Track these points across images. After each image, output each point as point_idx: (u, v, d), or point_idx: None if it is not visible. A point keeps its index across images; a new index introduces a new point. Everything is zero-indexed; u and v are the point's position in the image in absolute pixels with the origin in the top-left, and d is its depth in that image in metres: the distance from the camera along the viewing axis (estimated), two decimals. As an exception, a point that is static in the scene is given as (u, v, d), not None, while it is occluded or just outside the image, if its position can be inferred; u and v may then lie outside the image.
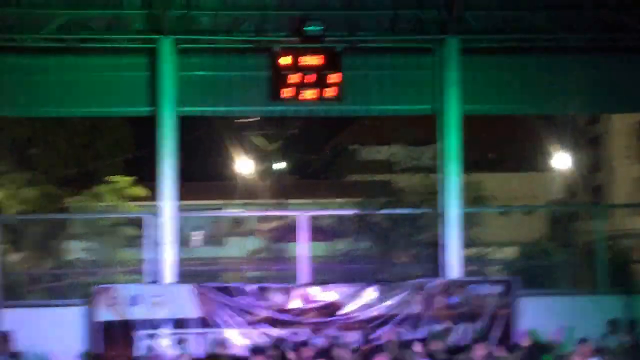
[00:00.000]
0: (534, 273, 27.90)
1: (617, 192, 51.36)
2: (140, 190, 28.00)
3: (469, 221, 23.44)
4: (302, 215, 19.21)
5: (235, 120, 43.18)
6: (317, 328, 17.55)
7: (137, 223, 25.98)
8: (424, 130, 26.49)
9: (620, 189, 51.44)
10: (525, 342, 16.99)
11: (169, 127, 18.05)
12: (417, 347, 16.24)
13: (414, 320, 17.75)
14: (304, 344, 16.82)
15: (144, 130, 24.48)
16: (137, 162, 38.52)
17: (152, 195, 19.83)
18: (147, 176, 26.20)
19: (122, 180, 28.13)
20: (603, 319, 18.40)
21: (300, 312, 17.61)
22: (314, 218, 29.89)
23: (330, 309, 17.68)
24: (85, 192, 28.21)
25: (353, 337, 17.59)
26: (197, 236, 48.78)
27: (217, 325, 17.33)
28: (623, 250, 37.29)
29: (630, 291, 19.64)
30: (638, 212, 48.43)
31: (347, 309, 17.67)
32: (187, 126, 20.45)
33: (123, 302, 17.15)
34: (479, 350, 15.37)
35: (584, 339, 15.81)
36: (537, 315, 18.17)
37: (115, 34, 18.20)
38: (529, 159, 53.49)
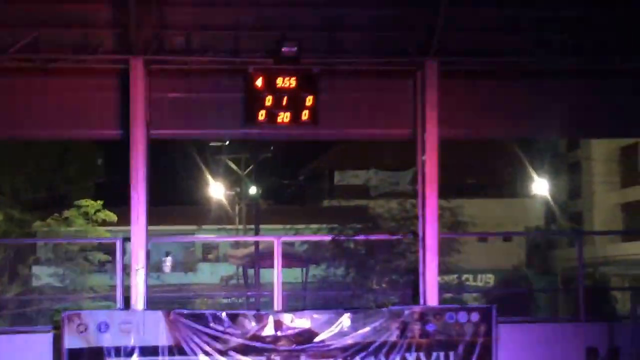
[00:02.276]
0: (512, 300, 28.11)
1: (597, 219, 51.64)
2: (110, 215, 27.96)
3: (448, 247, 23.62)
4: (276, 240, 19.20)
5: (209, 144, 43.27)
6: (290, 356, 17.54)
7: (106, 248, 26.00)
8: (402, 155, 26.63)
9: (600, 215, 51.72)
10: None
11: (140, 150, 17.98)
12: None
13: (390, 348, 17.74)
14: None
15: (115, 154, 24.52)
16: (108, 186, 38.55)
17: (122, 220, 19.84)
18: (117, 200, 26.25)
19: (92, 205, 28.06)
20: (583, 346, 18.50)
21: (274, 339, 17.55)
22: (289, 244, 30.10)
23: (304, 336, 17.60)
24: (54, 216, 28.10)
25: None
26: (168, 262, 48.73)
27: (188, 353, 17.27)
28: (603, 277, 37.60)
29: (611, 318, 19.76)
30: (617, 239, 48.81)
31: (322, 336, 17.59)
32: (159, 149, 20.46)
33: (92, 328, 17.07)
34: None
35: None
36: (516, 343, 18.24)
37: (84, 54, 18.08)
38: (509, 185, 53.87)
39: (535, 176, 48.18)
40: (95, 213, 27.79)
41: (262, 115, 17.98)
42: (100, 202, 28.25)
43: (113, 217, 27.83)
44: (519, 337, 18.46)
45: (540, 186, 48.31)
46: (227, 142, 42.98)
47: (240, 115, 18.37)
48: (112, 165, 39.77)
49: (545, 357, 17.93)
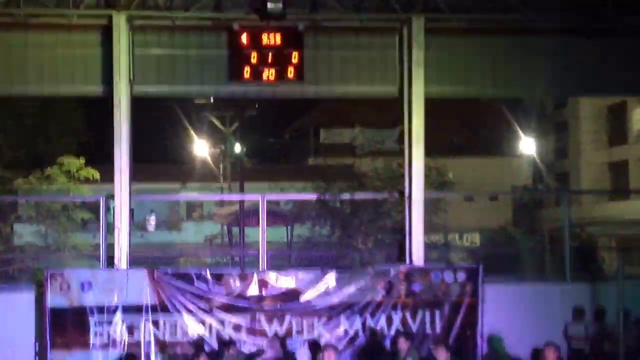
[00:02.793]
0: (498, 260, 28.17)
1: (584, 178, 51.80)
2: (92, 173, 27.79)
3: (434, 206, 23.60)
4: (261, 199, 19.18)
5: (194, 102, 43.11)
6: (275, 315, 17.58)
7: (89, 206, 25.87)
8: (388, 113, 26.55)
9: (587, 174, 51.88)
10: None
11: (123, 107, 17.90)
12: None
13: (376, 308, 17.80)
14: None
15: (97, 111, 24.36)
16: (90, 144, 38.43)
17: (105, 178, 19.75)
18: (100, 158, 26.11)
19: (74, 162, 27.87)
20: (569, 306, 18.60)
21: (258, 298, 17.60)
22: (274, 202, 30.03)
23: (289, 295, 17.67)
24: (36, 174, 27.93)
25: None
26: (152, 220, 48.68)
27: (172, 312, 17.29)
28: (590, 237, 37.72)
29: (597, 278, 19.85)
30: (605, 198, 48.99)
31: (307, 295, 17.66)
32: (142, 107, 20.33)
33: (75, 287, 17.06)
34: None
35: (549, 342, 15.90)
36: (502, 303, 18.31)
37: (66, 8, 17.92)
38: (496, 144, 53.90)
39: (522, 135, 48.24)
40: (77, 171, 27.58)
41: (247, 72, 17.95)
42: (82, 160, 28.03)
43: (96, 175, 27.64)
44: (505, 297, 18.55)
45: (528, 145, 48.43)
46: (212, 100, 42.83)
47: (225, 73, 18.32)
48: (95, 122, 39.65)
49: (532, 317, 18.02)
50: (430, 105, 18.81)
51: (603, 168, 51.94)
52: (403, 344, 15.91)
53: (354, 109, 52.02)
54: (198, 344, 16.88)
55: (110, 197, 18.02)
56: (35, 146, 37.72)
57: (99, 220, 18.85)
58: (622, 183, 49.54)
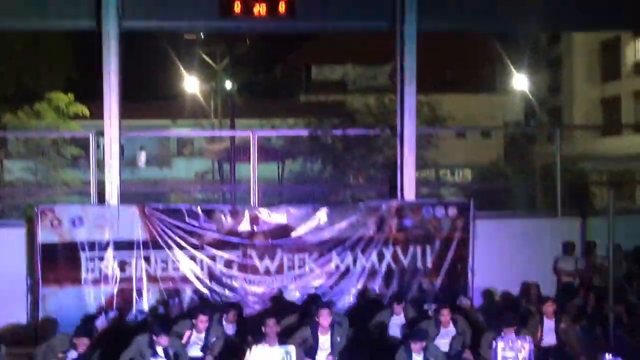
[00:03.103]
0: (490, 196, 28.27)
1: (577, 114, 51.78)
2: (82, 108, 27.71)
3: (426, 142, 23.63)
4: (252, 135, 19.16)
5: (184, 38, 42.81)
6: (266, 251, 17.66)
7: (79, 143, 25.84)
8: (380, 49, 26.42)
9: (580, 110, 51.86)
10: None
11: (112, 41, 17.79)
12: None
13: (367, 243, 17.87)
14: None
15: (86, 46, 24.18)
16: (79, 79, 38.20)
17: (95, 114, 19.67)
18: (89, 94, 25.99)
19: (63, 98, 27.77)
20: (559, 241, 18.73)
21: (250, 234, 17.65)
22: (265, 138, 30.01)
23: (280, 231, 17.71)
24: (25, 109, 27.81)
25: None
26: (142, 157, 48.66)
27: (163, 248, 17.35)
28: (581, 172, 37.79)
29: (588, 214, 19.95)
30: (597, 134, 49.05)
31: (298, 231, 17.71)
32: (132, 43, 20.22)
33: (65, 223, 17.09)
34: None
35: (546, 297, 16.03)
36: (493, 238, 18.41)
37: None
38: (488, 80, 53.78)
39: (514, 71, 48.08)
40: (66, 106, 27.49)
41: (237, 6, 17.84)
42: (71, 96, 27.92)
43: (85, 111, 27.56)
44: (496, 232, 18.64)
45: (520, 81, 48.29)
46: (202, 36, 42.56)
47: (216, 7, 18.17)
48: (83, 58, 39.36)
49: (522, 252, 18.14)
50: (423, 41, 18.71)
51: (596, 103, 51.88)
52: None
53: (346, 46, 51.81)
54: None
55: (100, 133, 17.98)
56: (23, 82, 37.44)
57: (89, 157, 18.84)
58: (614, 118, 49.54)
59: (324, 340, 13.37)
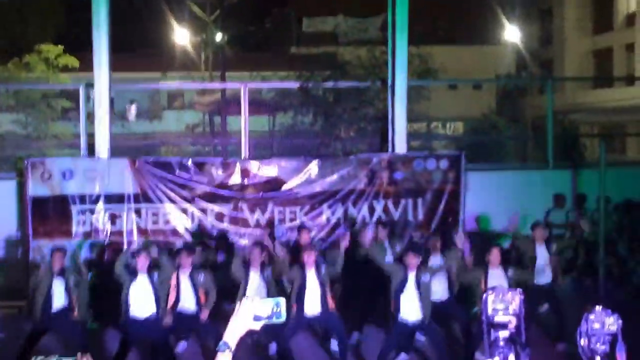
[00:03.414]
0: (481, 148, 28.31)
1: (568, 66, 51.69)
2: (72, 60, 27.57)
3: (417, 95, 23.59)
4: (242, 87, 19.11)
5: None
6: (257, 204, 17.67)
7: (69, 95, 25.76)
8: (372, 1, 26.30)
9: (571, 62, 51.75)
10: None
11: (101, -7, 17.66)
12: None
13: (358, 196, 17.89)
14: None
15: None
16: (69, 30, 38.01)
17: (85, 67, 19.60)
18: (79, 47, 25.88)
19: (53, 50, 27.63)
20: (551, 193, 18.77)
21: (241, 187, 17.65)
22: (256, 91, 29.92)
23: (271, 184, 17.72)
24: (14, 61, 27.68)
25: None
26: (132, 110, 48.49)
27: (154, 201, 17.35)
28: (572, 124, 37.83)
29: (579, 165, 19.99)
30: (588, 85, 49.01)
31: (289, 184, 17.72)
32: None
33: (56, 176, 17.07)
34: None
35: (537, 222, 16.01)
36: (485, 190, 18.46)
37: None
38: (480, 32, 53.52)
39: (506, 23, 47.91)
40: (56, 58, 27.35)
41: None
42: (61, 47, 27.78)
43: (75, 63, 27.42)
44: (488, 184, 18.68)
45: (512, 33, 48.10)
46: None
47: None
48: (73, 9, 39.18)
49: (513, 204, 18.16)
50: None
51: (587, 55, 51.77)
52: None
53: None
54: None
55: (90, 85, 17.91)
56: (12, 33, 37.24)
57: (79, 109, 18.78)
58: (606, 70, 49.47)
59: (311, 277, 13.27)
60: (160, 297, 13.15)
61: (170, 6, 45.61)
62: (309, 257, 13.30)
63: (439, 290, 13.92)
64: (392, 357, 13.17)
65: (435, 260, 14.35)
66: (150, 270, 13.16)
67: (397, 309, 12.72)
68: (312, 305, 13.19)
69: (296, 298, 13.13)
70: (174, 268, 13.72)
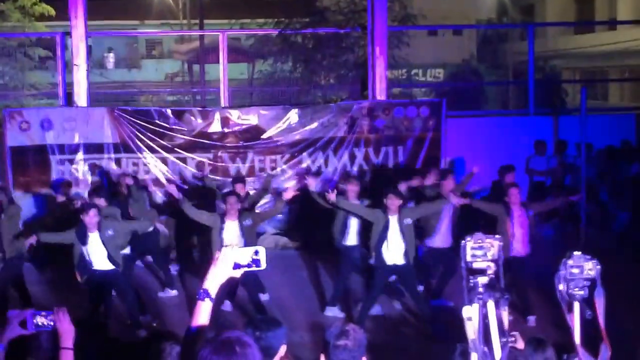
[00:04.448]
0: (462, 94, 28.34)
1: (549, 11, 51.57)
2: (48, 8, 27.34)
3: (397, 41, 23.55)
4: (221, 34, 19.04)
5: None
6: (237, 152, 17.69)
7: (46, 44, 25.59)
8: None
9: (553, 7, 51.61)
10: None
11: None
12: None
13: (338, 144, 17.92)
14: None
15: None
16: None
17: (61, 15, 19.47)
18: (54, -6, 25.64)
19: (28, -3, 27.39)
20: (532, 139, 18.86)
21: (221, 136, 17.65)
22: (235, 38, 29.83)
23: (251, 132, 17.71)
24: (-12, 10, 27.44)
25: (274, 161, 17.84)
26: (110, 58, 48.24)
27: (134, 150, 17.34)
28: (553, 70, 37.86)
29: (560, 112, 20.08)
30: (570, 31, 48.95)
31: (269, 132, 17.72)
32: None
33: (34, 126, 17.02)
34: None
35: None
36: (466, 137, 18.52)
37: None
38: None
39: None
40: (31, 6, 27.11)
41: None
42: (37, -5, 27.55)
43: (51, 11, 27.19)
44: (468, 131, 18.76)
45: (493, -22, 48.02)
46: None
47: None
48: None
49: (494, 150, 18.22)
50: None
51: (569, 0, 51.69)
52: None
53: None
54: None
55: (67, 34, 17.81)
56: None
57: (56, 58, 18.69)
58: (587, 15, 49.35)
59: (232, 228, 13.23)
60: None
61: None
62: (232, 207, 13.18)
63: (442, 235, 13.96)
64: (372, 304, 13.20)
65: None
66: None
67: (379, 255, 12.73)
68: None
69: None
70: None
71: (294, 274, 15.90)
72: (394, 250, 12.68)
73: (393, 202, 12.67)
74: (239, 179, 15.73)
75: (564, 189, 17.98)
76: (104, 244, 12.36)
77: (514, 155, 18.12)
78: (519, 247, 13.11)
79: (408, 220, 12.75)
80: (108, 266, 12.48)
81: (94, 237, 12.35)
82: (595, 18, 47.63)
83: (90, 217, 12.27)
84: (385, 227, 12.67)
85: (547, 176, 18.82)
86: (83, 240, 12.36)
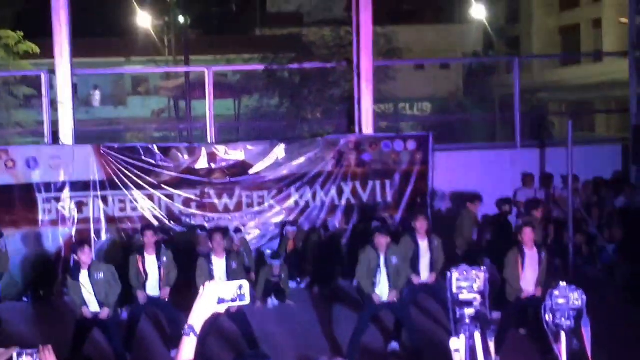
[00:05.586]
0: (449, 128, 28.47)
1: (536, 44, 51.89)
2: (32, 47, 27.38)
3: (383, 75, 23.67)
4: (207, 70, 19.14)
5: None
6: (225, 188, 17.73)
7: (31, 82, 25.63)
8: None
9: (539, 40, 51.94)
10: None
11: (61, -23, 17.60)
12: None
13: (326, 179, 17.97)
14: None
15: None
16: (28, 16, 37.75)
17: (46, 53, 19.53)
18: (39, 33, 25.72)
19: (12, 36, 27.43)
20: (519, 171, 18.95)
21: (207, 172, 17.69)
22: (221, 74, 29.94)
23: (238, 168, 17.76)
24: (-29, 47, 27.44)
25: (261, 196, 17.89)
26: (96, 96, 48.31)
27: (120, 187, 17.36)
28: (540, 102, 38.06)
29: (546, 144, 20.18)
30: (555, 63, 49.26)
31: (256, 168, 17.77)
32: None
33: (20, 164, 17.04)
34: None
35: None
36: (453, 170, 18.60)
37: None
38: (446, 11, 53.71)
39: (472, 1, 48.08)
40: (16, 44, 27.16)
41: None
42: (20, 33, 27.59)
43: (36, 49, 27.25)
44: (456, 164, 18.82)
45: (478, 11, 48.27)
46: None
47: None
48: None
49: (482, 183, 18.29)
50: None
51: (554, 32, 52.00)
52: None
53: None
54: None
55: (52, 72, 17.89)
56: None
57: (42, 96, 18.75)
58: (573, 47, 49.69)
59: (219, 266, 13.25)
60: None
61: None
62: (218, 245, 13.34)
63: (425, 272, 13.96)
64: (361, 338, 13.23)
65: (423, 244, 14.05)
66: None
67: (370, 291, 12.85)
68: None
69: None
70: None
71: (291, 311, 15.90)
72: (383, 287, 12.83)
73: (380, 241, 12.86)
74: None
75: (551, 221, 18.05)
76: (92, 285, 12.42)
77: (502, 188, 18.20)
78: (531, 289, 12.80)
79: (394, 259, 12.91)
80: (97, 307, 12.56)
81: (84, 275, 12.42)
82: (580, 50, 47.98)
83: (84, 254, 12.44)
84: (377, 265, 12.83)
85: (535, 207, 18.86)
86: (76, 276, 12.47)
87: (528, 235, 12.91)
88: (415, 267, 13.77)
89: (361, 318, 13.13)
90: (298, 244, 17.43)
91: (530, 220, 14.12)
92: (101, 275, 12.52)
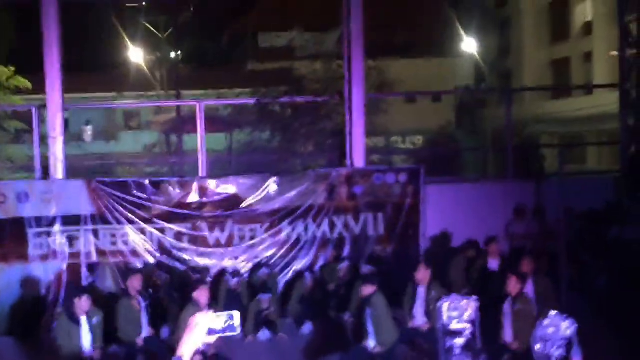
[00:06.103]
0: (441, 161, 28.52)
1: (527, 76, 52.12)
2: (23, 82, 27.42)
3: (375, 108, 23.77)
4: (198, 105, 19.18)
5: (126, 4, 42.52)
6: (216, 222, 17.72)
7: (22, 117, 25.65)
8: (327, 15, 26.48)
9: (530, 72, 52.19)
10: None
11: (52, 12, 17.68)
12: None
13: (318, 212, 17.97)
14: None
15: (26, 18, 23.97)
16: (20, 51, 37.84)
17: (37, 88, 19.55)
18: (30, 68, 25.77)
19: (4, 71, 27.46)
20: (511, 205, 18.95)
21: (199, 205, 17.68)
22: (212, 108, 29.99)
23: (230, 202, 17.74)
24: (-37, 83, 27.45)
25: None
26: (88, 131, 48.34)
27: (111, 222, 17.34)
28: (532, 135, 38.15)
29: (539, 177, 20.21)
30: (547, 96, 49.46)
31: (248, 201, 17.75)
32: (74, 11, 20.07)
33: (11, 199, 17.02)
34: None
35: (492, 238, 16.22)
36: (445, 203, 18.61)
37: None
38: (437, 44, 53.95)
39: (464, 34, 48.33)
40: (7, 80, 27.20)
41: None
42: (12, 69, 27.63)
43: (27, 84, 27.28)
44: (448, 197, 18.83)
45: (469, 44, 48.55)
46: (144, 3, 42.34)
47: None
48: (24, 29, 39.00)
49: (474, 216, 18.32)
50: (371, 4, 18.71)
51: (545, 65, 52.26)
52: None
53: (293, 12, 51.75)
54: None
55: (43, 106, 17.91)
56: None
57: (33, 131, 18.75)
58: (564, 80, 49.93)
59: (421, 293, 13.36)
60: None
61: (123, 24, 45.58)
62: (203, 298, 13.49)
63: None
64: None
65: (422, 290, 14.13)
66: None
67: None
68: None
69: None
70: None
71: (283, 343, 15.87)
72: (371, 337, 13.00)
73: (367, 290, 13.01)
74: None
75: (544, 253, 18.04)
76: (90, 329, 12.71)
77: (494, 220, 18.22)
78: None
79: (378, 309, 13.05)
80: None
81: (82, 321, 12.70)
82: (571, 83, 48.20)
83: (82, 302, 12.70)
84: (365, 314, 13.00)
85: (528, 241, 18.89)
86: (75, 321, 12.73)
87: (527, 266, 13.06)
88: (410, 310, 13.84)
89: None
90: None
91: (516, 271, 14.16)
92: (98, 319, 12.89)
